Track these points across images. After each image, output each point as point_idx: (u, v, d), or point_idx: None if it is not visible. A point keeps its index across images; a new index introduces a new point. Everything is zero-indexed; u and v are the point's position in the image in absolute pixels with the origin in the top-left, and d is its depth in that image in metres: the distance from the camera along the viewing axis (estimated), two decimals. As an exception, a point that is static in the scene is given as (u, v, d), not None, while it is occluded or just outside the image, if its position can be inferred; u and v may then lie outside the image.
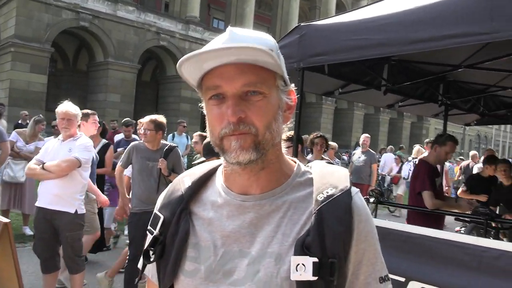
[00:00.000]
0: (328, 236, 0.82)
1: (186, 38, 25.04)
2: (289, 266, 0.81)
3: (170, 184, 1.04)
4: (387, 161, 12.13)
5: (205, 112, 0.91)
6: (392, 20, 2.68)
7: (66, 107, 3.84)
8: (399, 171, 11.38)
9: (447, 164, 11.91)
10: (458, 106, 5.91)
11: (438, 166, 4.63)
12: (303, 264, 0.80)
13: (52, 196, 3.72)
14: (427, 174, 4.07)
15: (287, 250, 0.84)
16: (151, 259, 0.93)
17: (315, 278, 0.80)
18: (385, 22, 2.72)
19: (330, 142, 7.68)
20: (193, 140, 6.37)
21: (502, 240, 4.91)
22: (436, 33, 2.43)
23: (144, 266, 0.97)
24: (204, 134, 6.47)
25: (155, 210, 0.99)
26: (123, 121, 7.89)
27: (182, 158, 4.84)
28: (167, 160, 4.31)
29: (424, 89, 5.34)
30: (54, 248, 3.89)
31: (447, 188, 10.85)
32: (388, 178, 12.15)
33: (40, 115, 6.87)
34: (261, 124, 0.85)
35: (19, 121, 11.99)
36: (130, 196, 4.47)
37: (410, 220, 4.28)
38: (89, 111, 4.90)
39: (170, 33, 24.21)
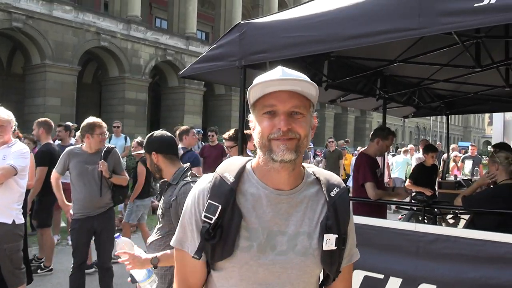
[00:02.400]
0: (341, 220, 1.24)
1: (128, 38, 24.39)
2: (317, 241, 1.22)
3: (206, 179, 1.28)
4: None
5: (253, 121, 1.25)
6: (328, 17, 2.75)
7: None
8: None
9: (390, 157, 12.45)
10: (395, 99, 6.17)
11: (379, 158, 4.81)
12: (329, 239, 1.21)
13: (-14, 206, 3.52)
14: (368, 166, 4.23)
15: (313, 230, 1.23)
16: (214, 239, 1.17)
17: (336, 247, 1.22)
18: (321, 19, 2.79)
19: None
20: (132, 147, 6.72)
21: (441, 225, 5.20)
22: (369, 29, 2.52)
23: (200, 245, 1.21)
24: (139, 140, 6.71)
25: (208, 200, 1.21)
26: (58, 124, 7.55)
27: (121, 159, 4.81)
28: (107, 161, 4.23)
29: (363, 84, 5.53)
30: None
31: (389, 179, 11.31)
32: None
33: None
34: (303, 133, 1.19)
35: None
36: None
37: (355, 211, 4.41)
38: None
39: (111, 33, 23.45)
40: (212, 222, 1.18)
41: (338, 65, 4.57)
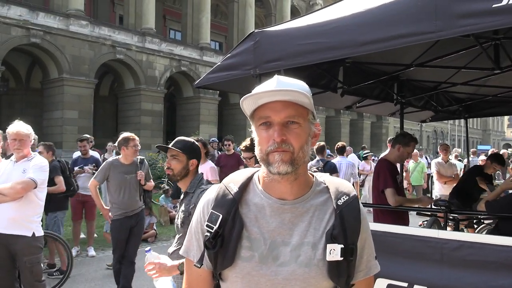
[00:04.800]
0: (348, 229, 1.19)
1: (143, 50, 24.69)
2: (322, 251, 1.17)
3: (213, 189, 1.30)
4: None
5: (254, 134, 1.23)
6: (342, 23, 2.73)
7: (17, 127, 3.69)
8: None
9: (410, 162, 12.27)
10: (413, 104, 6.09)
11: (398, 165, 4.74)
12: (334, 249, 1.16)
13: (7, 220, 3.56)
14: (389, 172, 4.16)
15: (319, 240, 1.18)
16: (215, 248, 1.18)
17: (341, 258, 1.16)
18: (335, 25, 2.77)
19: None
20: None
21: (463, 231, 5.08)
22: (384, 34, 2.49)
23: (203, 254, 1.24)
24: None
25: (211, 209, 1.23)
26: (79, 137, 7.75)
27: None
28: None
29: (380, 89, 5.47)
30: (13, 275, 3.72)
31: (408, 185, 11.14)
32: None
33: None
34: (297, 145, 1.17)
35: None
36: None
37: (376, 218, 4.35)
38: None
39: (127, 46, 23.77)
40: (213, 231, 1.20)
41: (353, 70, 4.54)
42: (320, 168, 7.28)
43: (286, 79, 1.19)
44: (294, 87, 1.16)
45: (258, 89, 1.19)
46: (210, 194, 1.30)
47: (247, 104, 1.19)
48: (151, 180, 5.35)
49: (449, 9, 2.27)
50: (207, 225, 1.22)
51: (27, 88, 24.49)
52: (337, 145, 9.63)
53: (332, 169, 7.57)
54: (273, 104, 1.16)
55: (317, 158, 8.04)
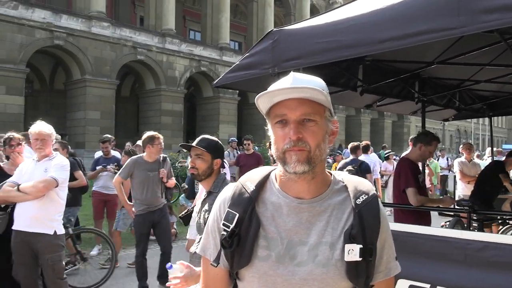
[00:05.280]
0: (367, 229, 1.16)
1: (163, 51, 24.93)
2: (340, 251, 1.14)
3: (230, 187, 1.29)
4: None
5: (270, 133, 1.21)
6: (361, 20, 2.69)
7: (39, 127, 3.77)
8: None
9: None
10: (435, 102, 5.97)
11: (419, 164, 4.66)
12: (352, 249, 1.13)
13: (30, 218, 3.63)
14: (411, 171, 4.10)
15: (337, 240, 1.16)
16: (231, 247, 1.17)
17: (360, 259, 1.13)
18: (354, 23, 2.73)
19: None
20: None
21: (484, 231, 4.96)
22: (405, 31, 2.44)
23: (219, 253, 1.22)
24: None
25: (227, 208, 1.22)
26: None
27: None
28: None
29: (401, 88, 5.39)
30: (36, 272, 3.79)
31: (430, 185, 10.94)
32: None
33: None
34: (313, 143, 1.15)
35: None
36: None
37: (397, 218, 4.29)
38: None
39: (147, 47, 24.05)
40: (229, 230, 1.18)
41: (373, 69, 4.47)
42: (356, 167, 7.43)
43: (302, 76, 1.18)
44: (310, 84, 1.14)
45: (273, 86, 1.17)
46: (226, 193, 1.28)
47: (262, 102, 1.17)
48: (173, 178, 5.56)
49: (472, 4, 2.21)
50: (223, 224, 1.21)
51: (51, 89, 25.03)
52: (361, 144, 9.58)
53: (367, 170, 7.82)
54: (289, 101, 1.15)
55: (351, 157, 8.19)
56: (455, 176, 9.84)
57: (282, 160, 1.17)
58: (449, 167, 14.88)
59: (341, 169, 7.65)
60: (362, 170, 7.60)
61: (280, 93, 1.14)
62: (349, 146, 8.36)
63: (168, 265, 2.23)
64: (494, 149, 12.50)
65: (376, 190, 1.37)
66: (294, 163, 1.14)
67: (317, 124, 1.16)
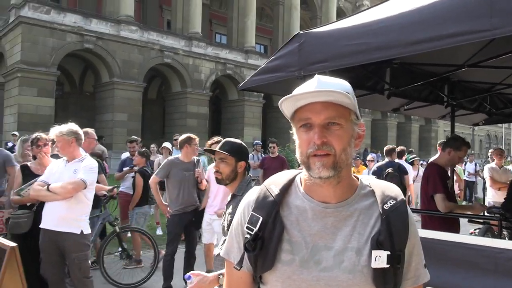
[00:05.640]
0: (395, 235, 1.13)
1: (190, 54, 25.19)
2: (366, 257, 1.11)
3: (254, 190, 1.28)
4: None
5: (295, 137, 1.20)
6: (390, 22, 2.65)
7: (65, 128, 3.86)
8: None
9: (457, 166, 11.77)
10: (465, 106, 5.83)
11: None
12: (379, 256, 1.10)
13: (58, 217, 3.71)
14: (439, 177, 4.01)
15: (363, 245, 1.13)
16: (255, 251, 1.16)
17: (388, 266, 1.10)
18: (383, 25, 2.69)
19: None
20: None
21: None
22: (435, 33, 2.39)
23: (243, 256, 1.22)
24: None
25: (251, 211, 1.21)
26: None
27: None
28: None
29: (429, 91, 5.28)
30: (63, 271, 3.88)
31: (459, 191, 10.68)
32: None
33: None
34: (339, 147, 1.12)
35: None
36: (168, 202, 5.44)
37: (424, 225, 4.20)
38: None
39: (174, 50, 24.37)
40: (253, 233, 1.17)
41: (401, 72, 4.40)
42: (395, 170, 7.67)
43: (327, 79, 1.16)
44: (335, 87, 1.12)
45: (297, 90, 1.16)
46: (251, 196, 1.27)
47: (286, 106, 1.16)
48: (204, 180, 5.63)
49: (505, 5, 2.15)
50: (247, 227, 1.20)
51: (80, 91, 25.64)
52: (396, 148, 9.73)
53: (405, 171, 8.13)
54: (313, 105, 1.13)
55: (386, 159, 8.37)
56: (484, 182, 9.59)
57: (306, 165, 1.16)
58: (477, 173, 14.50)
59: (376, 171, 7.87)
60: (400, 171, 7.80)
61: (304, 97, 1.13)
62: (385, 149, 8.58)
63: (186, 275, 2.23)
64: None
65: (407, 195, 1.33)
66: (318, 168, 1.12)
67: (342, 127, 1.14)
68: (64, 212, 3.71)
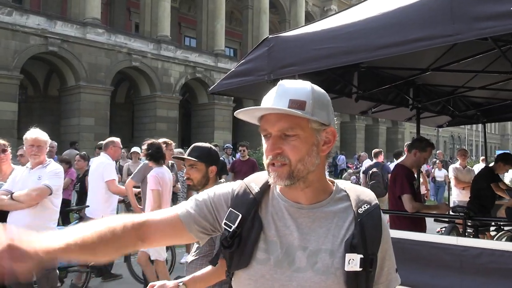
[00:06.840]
0: (368, 239, 1.14)
1: (159, 58, 24.90)
2: (340, 260, 1.12)
3: (233, 186, 1.28)
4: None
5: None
6: (357, 28, 2.70)
7: (35, 133, 3.74)
8: None
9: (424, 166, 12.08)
10: (429, 109, 6.01)
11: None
12: (353, 259, 1.11)
13: (24, 226, 3.58)
14: (406, 178, 4.10)
15: (337, 248, 1.14)
16: (231, 248, 1.16)
17: (361, 269, 1.11)
18: (350, 30, 2.74)
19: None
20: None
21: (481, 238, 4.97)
22: (400, 38, 2.46)
23: (220, 253, 1.29)
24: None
25: (231, 208, 1.21)
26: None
27: None
28: None
29: (395, 94, 5.42)
30: (29, 283, 3.74)
31: (426, 191, 10.96)
32: None
33: None
34: (294, 158, 1.12)
35: None
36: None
37: (392, 225, 4.29)
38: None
39: (142, 53, 24.01)
40: (231, 230, 1.18)
41: (368, 75, 4.50)
42: (379, 169, 8.60)
43: (288, 84, 1.16)
44: (293, 92, 1.13)
45: (265, 98, 1.18)
46: (232, 187, 1.27)
47: (244, 117, 1.20)
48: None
49: (466, 11, 2.23)
50: (225, 223, 1.20)
51: (45, 95, 24.90)
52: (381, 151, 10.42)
53: (388, 170, 8.52)
54: (269, 116, 1.15)
55: (374, 160, 9.33)
56: (449, 182, 9.88)
57: (268, 172, 1.18)
58: (446, 178, 14.87)
59: (366, 171, 9.06)
60: (384, 170, 8.56)
61: (258, 110, 1.15)
62: (373, 151, 9.71)
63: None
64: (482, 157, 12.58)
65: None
66: (273, 178, 1.14)
67: (299, 138, 1.13)
68: (30, 220, 3.59)
